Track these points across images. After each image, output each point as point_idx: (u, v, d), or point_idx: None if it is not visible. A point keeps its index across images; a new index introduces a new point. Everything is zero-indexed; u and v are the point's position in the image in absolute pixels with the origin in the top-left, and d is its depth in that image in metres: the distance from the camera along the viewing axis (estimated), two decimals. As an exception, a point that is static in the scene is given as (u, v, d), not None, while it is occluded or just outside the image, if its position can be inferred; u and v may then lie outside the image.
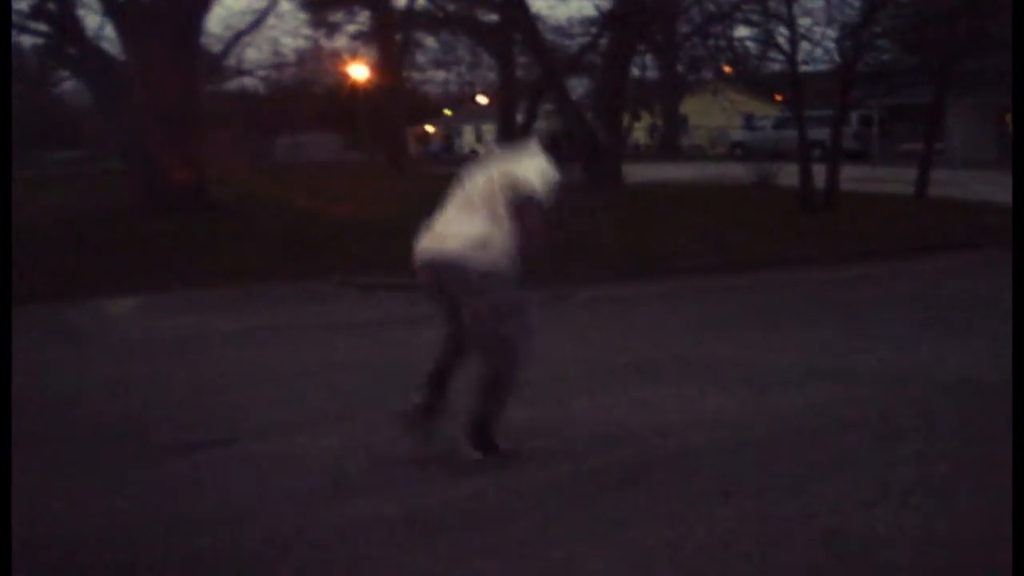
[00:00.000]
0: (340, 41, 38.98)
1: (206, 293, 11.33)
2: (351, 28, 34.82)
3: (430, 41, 36.76)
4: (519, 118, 17.29)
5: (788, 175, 21.97)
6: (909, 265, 13.34)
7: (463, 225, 5.04)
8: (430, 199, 5.71)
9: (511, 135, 16.68)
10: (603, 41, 19.34)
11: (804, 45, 23.76)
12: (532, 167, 5.06)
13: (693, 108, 50.72)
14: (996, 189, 24.30)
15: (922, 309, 9.75)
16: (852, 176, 21.26)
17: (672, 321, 9.35)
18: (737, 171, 26.61)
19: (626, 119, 23.43)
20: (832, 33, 21.75)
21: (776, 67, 23.49)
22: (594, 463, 5.07)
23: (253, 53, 58.03)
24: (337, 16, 35.26)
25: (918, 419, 5.78)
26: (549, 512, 4.45)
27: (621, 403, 6.17)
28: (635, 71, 27.17)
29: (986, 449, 5.19)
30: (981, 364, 7.14)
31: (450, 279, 5.05)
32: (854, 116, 39.86)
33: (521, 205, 4.94)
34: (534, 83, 18.32)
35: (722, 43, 24.39)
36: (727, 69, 29.20)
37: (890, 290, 11.33)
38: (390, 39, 34.02)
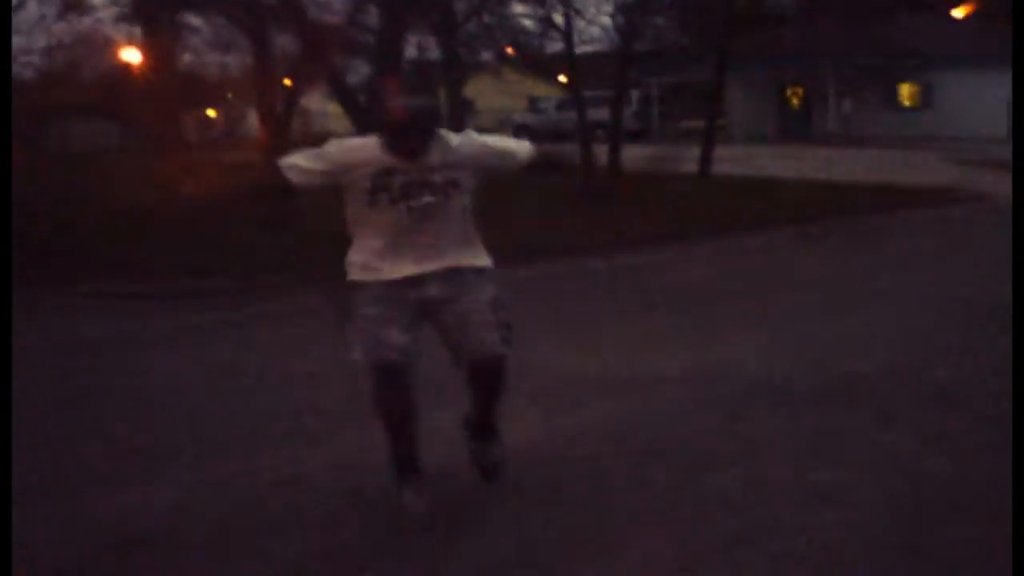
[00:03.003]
0: (105, 24, 36.80)
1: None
2: (111, 12, 32.82)
3: (198, 22, 35.06)
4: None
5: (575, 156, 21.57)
6: (697, 248, 13.01)
7: None
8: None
9: (272, 123, 15.56)
10: (373, 20, 18.53)
11: (582, 25, 23.51)
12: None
13: (478, 90, 50.22)
14: (780, 164, 24.66)
15: (717, 301, 9.30)
16: (634, 156, 21.03)
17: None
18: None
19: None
20: (608, 10, 21.45)
21: (557, 47, 23.11)
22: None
23: (19, 40, 54.58)
24: (94, -1, 33.12)
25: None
26: None
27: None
28: (414, 52, 26.49)
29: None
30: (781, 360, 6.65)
31: None
32: (634, 95, 40.10)
33: None
34: (294, 64, 17.19)
35: (501, 22, 23.90)
36: (508, 50, 28.69)
37: (677, 279, 10.88)
38: (156, 22, 32.24)
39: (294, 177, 4.36)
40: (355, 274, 4.40)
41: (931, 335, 7.51)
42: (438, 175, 4.23)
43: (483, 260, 4.43)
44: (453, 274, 4.32)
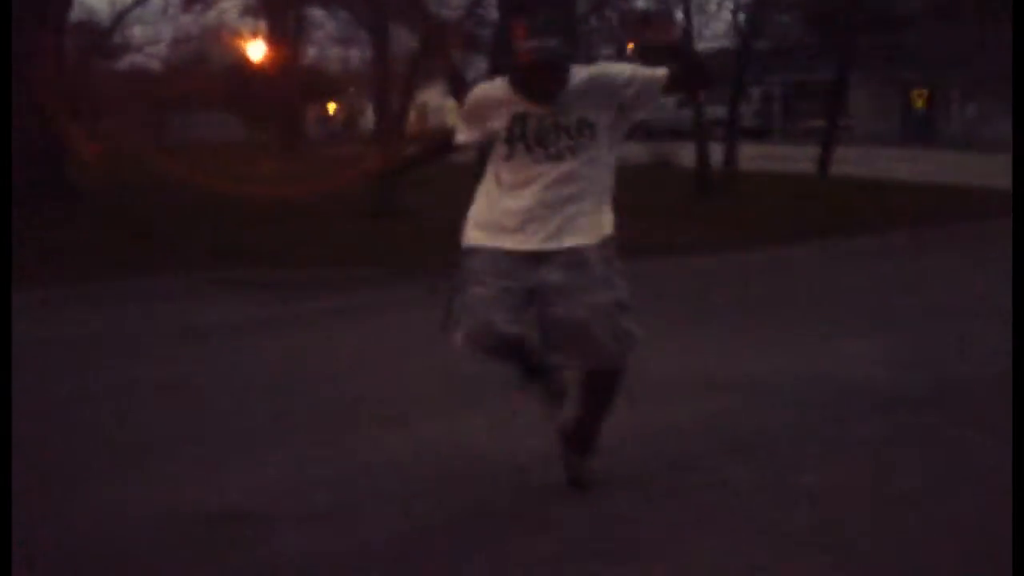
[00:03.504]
0: (234, 17, 37.64)
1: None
2: (236, 5, 33.57)
3: (321, 17, 35.61)
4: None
5: (690, 154, 21.42)
6: (808, 249, 12.80)
7: None
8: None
9: (387, 117, 15.74)
10: (492, 15, 18.65)
11: (703, 20, 23.29)
12: None
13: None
14: (901, 166, 24.15)
15: (825, 304, 9.14)
16: (753, 155, 20.83)
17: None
18: (636, 151, 26.02)
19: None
20: (730, 6, 21.22)
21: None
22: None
23: (148, 31, 56.15)
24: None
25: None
26: None
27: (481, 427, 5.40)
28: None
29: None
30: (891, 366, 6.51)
31: None
32: (755, 93, 39.63)
33: None
34: (412, 56, 17.34)
35: (623, 18, 23.73)
36: (629, 46, 28.54)
37: (785, 280, 10.72)
38: (281, 15, 32.95)
39: (458, 137, 4.32)
40: (472, 236, 4.17)
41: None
42: (573, 115, 4.00)
43: (609, 227, 4.15)
44: (580, 262, 4.02)
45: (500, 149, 4.11)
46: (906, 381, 6.28)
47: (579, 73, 4.04)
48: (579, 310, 3.96)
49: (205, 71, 45.64)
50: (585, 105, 4.01)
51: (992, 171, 23.21)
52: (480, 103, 4.22)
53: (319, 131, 58.06)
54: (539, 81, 4.00)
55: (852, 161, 23.94)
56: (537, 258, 4.04)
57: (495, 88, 4.19)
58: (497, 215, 4.12)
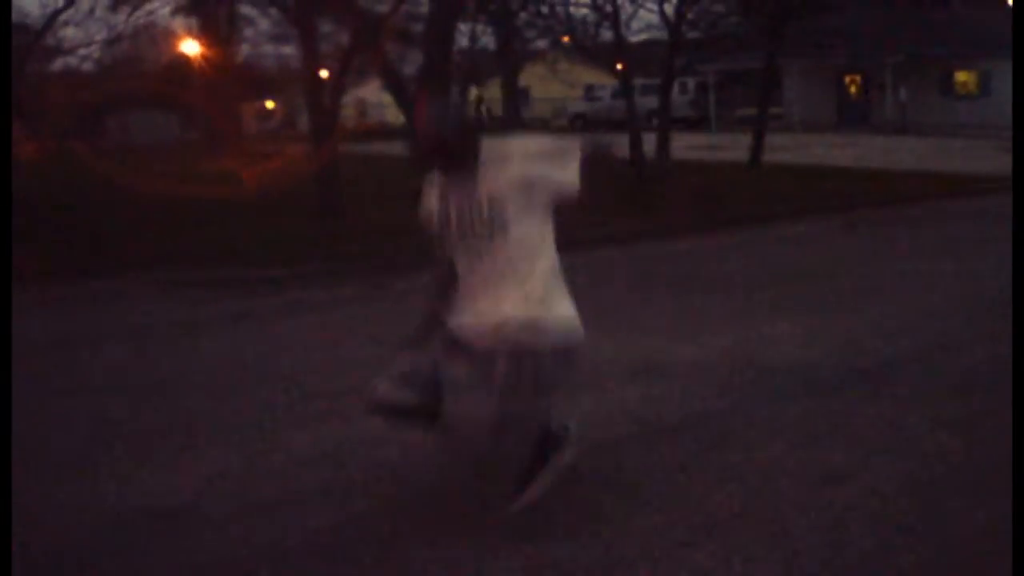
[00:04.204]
0: (165, 16, 37.37)
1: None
2: (167, 4, 33.36)
3: (253, 14, 35.49)
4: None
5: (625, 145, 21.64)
6: (737, 236, 13.03)
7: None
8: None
9: (320, 114, 15.72)
10: (423, 8, 18.72)
11: (631, 11, 23.41)
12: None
13: (534, 79, 50.17)
14: (836, 153, 24.56)
15: (755, 289, 9.36)
16: (689, 144, 21.07)
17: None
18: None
19: (456, 92, 22.84)
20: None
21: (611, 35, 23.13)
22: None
23: (80, 33, 55.34)
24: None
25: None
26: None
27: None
28: (466, 41, 26.63)
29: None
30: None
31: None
32: (691, 83, 39.97)
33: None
34: (342, 52, 17.33)
35: (556, 11, 23.94)
36: (564, 39, 28.73)
37: (715, 267, 10.94)
38: (212, 13, 32.73)
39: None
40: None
41: (959, 323, 7.53)
42: (485, 209, 3.95)
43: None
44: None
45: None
46: (831, 362, 6.50)
47: (493, 157, 4.03)
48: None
49: (139, 71, 45.26)
50: (495, 200, 3.99)
51: (924, 154, 23.74)
52: (431, 195, 4.18)
53: (258, 128, 57.68)
54: (438, 161, 4.05)
55: (788, 148, 24.29)
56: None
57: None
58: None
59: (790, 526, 4.03)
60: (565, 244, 4.19)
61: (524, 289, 3.96)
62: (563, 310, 4.04)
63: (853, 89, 40.33)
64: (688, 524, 4.08)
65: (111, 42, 34.67)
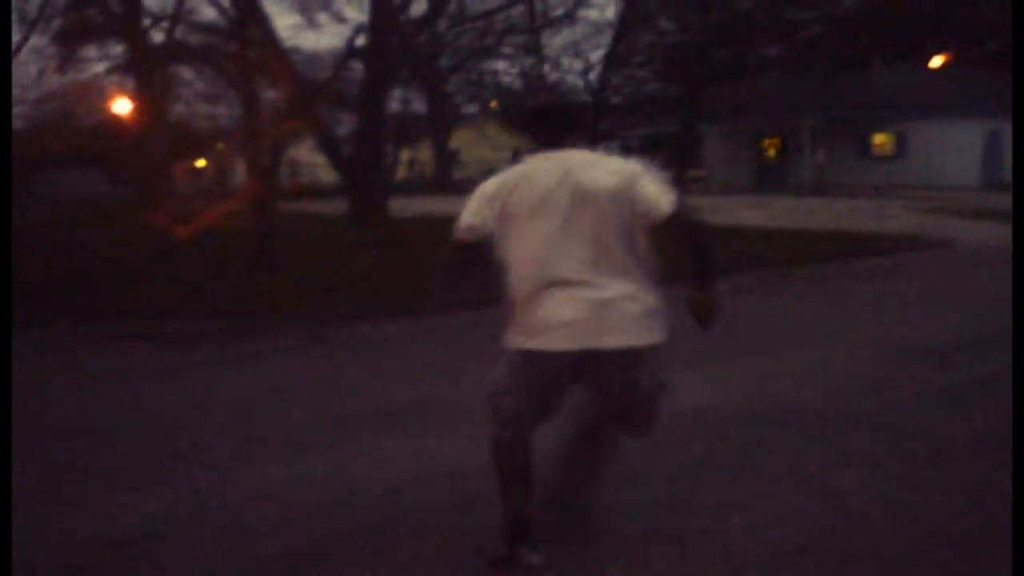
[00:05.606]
0: (98, 75, 37.47)
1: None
2: (105, 64, 33.56)
3: (190, 75, 35.79)
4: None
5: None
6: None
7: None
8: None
9: (258, 174, 16.13)
10: (357, 75, 19.25)
11: (556, 78, 24.16)
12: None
13: (465, 142, 50.92)
14: (751, 213, 25.28)
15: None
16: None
17: (431, 361, 9.11)
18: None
19: (390, 153, 23.31)
20: (578, 65, 22.19)
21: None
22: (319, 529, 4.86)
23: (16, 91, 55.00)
24: (90, 50, 33.90)
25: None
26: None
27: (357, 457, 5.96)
28: (397, 105, 27.20)
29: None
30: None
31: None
32: (615, 146, 40.91)
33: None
34: (281, 117, 17.80)
35: (484, 78, 24.62)
36: (492, 104, 29.47)
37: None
38: (147, 73, 32.95)
39: None
40: None
41: (864, 370, 8.10)
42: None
43: None
44: None
45: None
46: (739, 404, 7.00)
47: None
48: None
49: (70, 128, 45.10)
50: None
51: (837, 215, 24.54)
52: None
53: (189, 186, 57.57)
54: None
55: (707, 210, 24.90)
56: None
57: None
58: None
59: (694, 551, 4.50)
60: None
61: (593, 285, 4.08)
62: (634, 309, 4.18)
63: (772, 152, 41.45)
64: (586, 555, 4.53)
65: (43, 100, 34.78)
